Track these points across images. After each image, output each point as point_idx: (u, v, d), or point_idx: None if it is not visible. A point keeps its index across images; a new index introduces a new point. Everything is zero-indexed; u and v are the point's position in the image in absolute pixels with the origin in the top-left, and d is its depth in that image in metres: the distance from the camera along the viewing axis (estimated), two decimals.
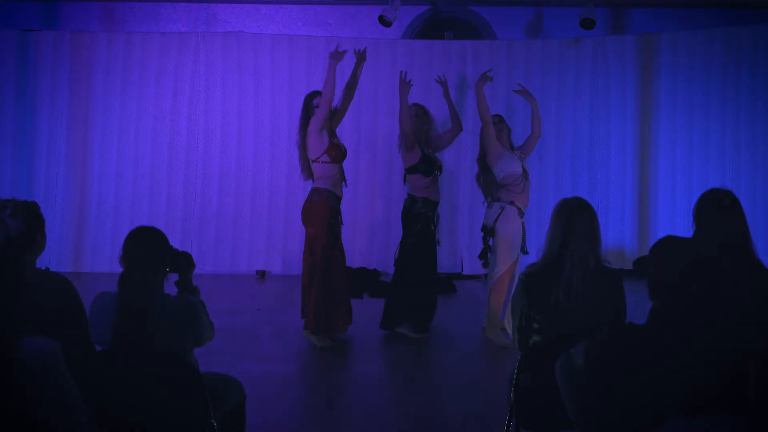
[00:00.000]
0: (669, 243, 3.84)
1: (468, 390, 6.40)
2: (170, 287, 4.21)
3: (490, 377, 6.63)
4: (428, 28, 12.53)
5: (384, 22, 10.79)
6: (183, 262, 4.20)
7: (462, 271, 11.29)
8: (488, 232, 7.95)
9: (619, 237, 11.37)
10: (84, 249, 11.33)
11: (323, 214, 7.67)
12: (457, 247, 11.39)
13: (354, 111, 11.36)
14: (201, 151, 11.44)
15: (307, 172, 7.84)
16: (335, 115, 8.06)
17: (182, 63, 11.46)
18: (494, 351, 7.56)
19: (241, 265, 11.38)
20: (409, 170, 8.19)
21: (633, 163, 11.40)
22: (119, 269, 4.04)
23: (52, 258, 10.77)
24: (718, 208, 4.40)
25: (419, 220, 8.16)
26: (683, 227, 10.51)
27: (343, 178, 7.92)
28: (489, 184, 7.96)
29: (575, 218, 4.45)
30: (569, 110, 11.34)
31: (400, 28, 12.18)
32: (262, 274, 11.22)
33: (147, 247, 4.04)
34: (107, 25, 12.37)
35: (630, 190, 11.41)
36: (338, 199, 7.84)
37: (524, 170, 7.93)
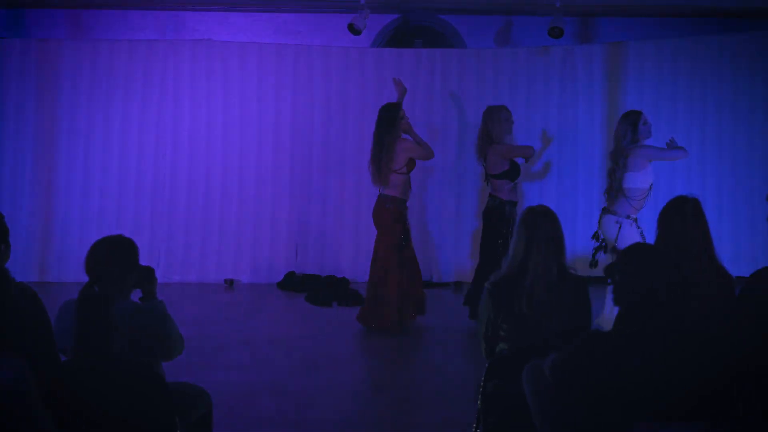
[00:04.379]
0: (637, 250, 3.87)
1: (437, 398, 6.41)
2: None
3: (460, 385, 6.62)
4: (398, 37, 12.54)
5: (353, 30, 10.76)
6: (143, 276, 4.17)
7: (432, 279, 11.28)
8: (609, 249, 8.05)
9: (588, 244, 11.38)
10: (50, 258, 11.21)
11: (396, 220, 8.56)
12: (427, 255, 11.36)
13: (324, 119, 11.39)
14: (169, 159, 11.36)
15: (384, 179, 8.57)
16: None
17: (150, 71, 11.38)
18: (464, 359, 7.57)
19: (210, 274, 11.30)
20: (498, 176, 8.67)
21: (601, 170, 11.41)
22: (86, 279, 4.02)
23: (17, 268, 10.57)
24: (679, 215, 4.46)
25: (509, 223, 8.55)
26: (650, 234, 10.57)
27: (410, 185, 8.76)
28: (614, 187, 8.04)
29: (537, 226, 4.48)
30: (538, 118, 11.37)
31: (370, 36, 12.18)
32: (230, 283, 11.15)
33: (107, 257, 4.02)
34: (74, 33, 12.27)
35: (598, 197, 11.43)
36: (406, 203, 8.73)
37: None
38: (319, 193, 11.45)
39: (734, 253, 10.75)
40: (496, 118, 8.65)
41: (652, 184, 7.95)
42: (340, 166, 11.44)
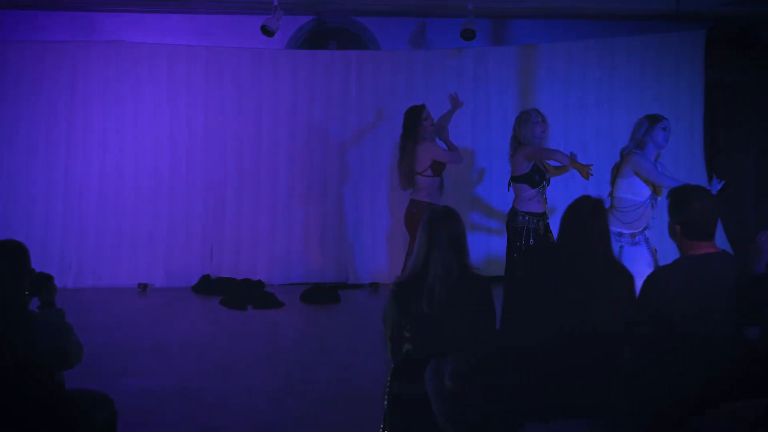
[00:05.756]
0: (538, 249, 3.94)
1: (347, 400, 6.42)
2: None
3: (371, 387, 6.64)
4: (313, 38, 12.53)
5: (266, 32, 10.70)
6: (39, 284, 4.10)
7: (347, 280, 11.30)
8: None
9: (502, 245, 11.48)
10: None
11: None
12: (342, 256, 11.39)
13: (237, 121, 11.31)
14: (79, 162, 11.17)
15: (408, 182, 8.45)
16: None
17: (60, 73, 11.17)
18: (376, 362, 7.59)
19: (123, 279, 11.11)
20: (517, 179, 7.96)
21: None
22: None
23: None
24: (576, 215, 4.52)
25: (520, 235, 7.76)
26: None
27: (441, 187, 8.53)
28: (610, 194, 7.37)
29: (438, 227, 4.53)
30: (452, 119, 11.44)
31: (284, 38, 12.14)
32: (143, 288, 11.00)
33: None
34: None
35: (512, 197, 11.55)
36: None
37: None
38: (233, 196, 11.38)
39: None
40: (524, 120, 7.97)
41: (650, 197, 7.07)
42: (255, 167, 11.39)
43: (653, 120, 7.08)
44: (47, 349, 3.95)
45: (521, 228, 7.74)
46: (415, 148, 8.35)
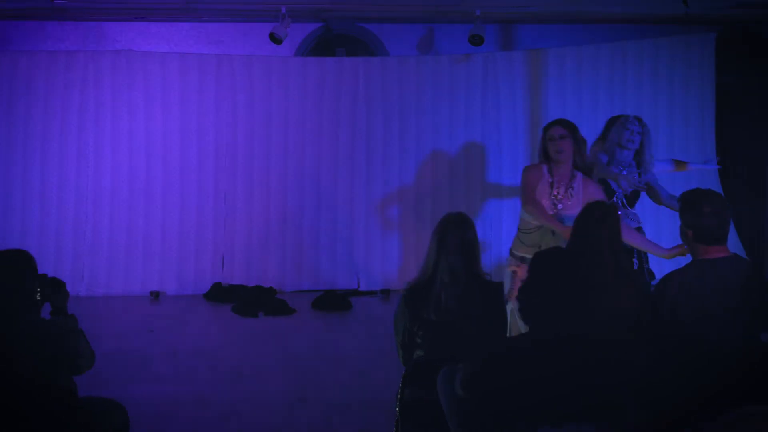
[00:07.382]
0: (546, 254, 3.93)
1: (359, 407, 6.42)
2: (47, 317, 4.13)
3: (382, 394, 6.63)
4: (321, 46, 12.54)
5: (274, 39, 10.74)
6: (49, 290, 4.10)
7: (359, 287, 11.29)
8: None
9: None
10: None
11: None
12: (353, 263, 11.39)
13: (247, 129, 11.32)
14: (91, 171, 11.19)
15: None
16: None
17: (70, 83, 11.19)
18: (388, 368, 7.58)
19: (135, 287, 11.13)
20: None
21: None
22: None
23: None
24: (586, 219, 4.53)
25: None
26: None
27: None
28: None
29: (448, 233, 4.53)
30: (461, 125, 11.46)
31: (293, 45, 12.16)
32: (155, 295, 11.00)
33: (4, 272, 3.95)
34: None
35: None
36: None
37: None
38: (244, 203, 11.39)
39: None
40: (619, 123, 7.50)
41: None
42: (265, 175, 11.39)
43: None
44: (59, 355, 3.97)
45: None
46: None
